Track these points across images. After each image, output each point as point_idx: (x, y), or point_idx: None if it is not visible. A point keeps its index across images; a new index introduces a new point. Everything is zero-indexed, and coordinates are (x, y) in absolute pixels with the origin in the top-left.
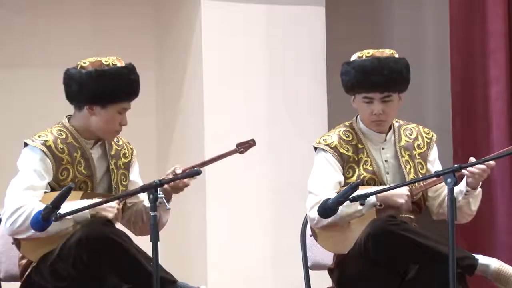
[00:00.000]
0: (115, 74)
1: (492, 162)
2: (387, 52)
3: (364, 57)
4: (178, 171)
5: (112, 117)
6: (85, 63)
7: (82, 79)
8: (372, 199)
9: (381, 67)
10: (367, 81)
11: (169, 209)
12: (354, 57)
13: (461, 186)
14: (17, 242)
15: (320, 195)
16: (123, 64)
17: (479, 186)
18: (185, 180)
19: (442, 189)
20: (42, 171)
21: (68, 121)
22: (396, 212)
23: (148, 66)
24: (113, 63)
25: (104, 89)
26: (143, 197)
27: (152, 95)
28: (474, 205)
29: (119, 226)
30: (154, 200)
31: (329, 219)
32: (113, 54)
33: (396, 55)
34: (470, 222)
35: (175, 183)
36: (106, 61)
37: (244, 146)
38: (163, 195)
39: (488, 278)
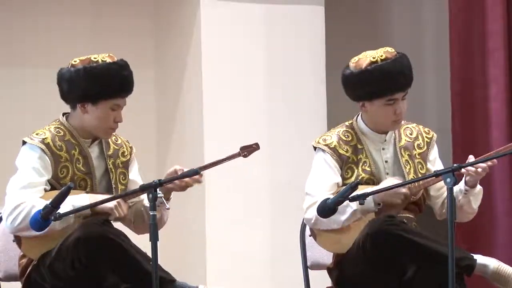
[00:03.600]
0: (104, 70)
1: (494, 160)
2: (390, 50)
3: (379, 61)
4: (180, 172)
5: (104, 114)
6: (75, 61)
7: (72, 77)
8: (369, 204)
9: (403, 67)
10: (395, 84)
11: (168, 209)
12: (365, 63)
13: (461, 185)
14: (18, 240)
15: (317, 196)
16: (114, 60)
17: (478, 184)
18: (188, 180)
19: (444, 188)
20: (41, 168)
21: (66, 119)
22: (395, 212)
23: (148, 66)
24: (103, 59)
25: (93, 86)
26: (143, 196)
27: (152, 95)
28: (475, 203)
29: (118, 225)
30: (153, 200)
31: (328, 225)
32: (113, 53)
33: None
34: (470, 222)
35: (178, 184)
36: (95, 58)
37: (248, 150)
38: (163, 195)
39: (487, 278)
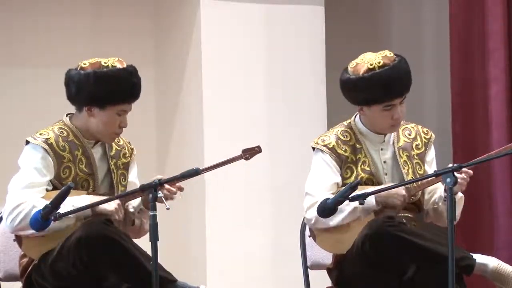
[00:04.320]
0: (114, 76)
1: (470, 172)
2: (388, 55)
3: (377, 68)
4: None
5: (111, 118)
6: (85, 64)
7: (81, 81)
8: (371, 203)
9: (400, 73)
10: (393, 90)
11: (168, 209)
12: (363, 70)
13: (441, 192)
14: (18, 240)
15: (317, 196)
16: (124, 66)
17: (460, 192)
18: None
19: (433, 192)
20: (43, 168)
21: (70, 119)
22: (394, 212)
23: (148, 66)
24: (113, 64)
25: (102, 91)
26: (131, 203)
27: (152, 95)
28: (456, 209)
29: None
30: (153, 200)
31: (327, 224)
32: (113, 53)
33: (393, 55)
34: (470, 222)
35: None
36: (105, 63)
37: (250, 153)
38: (163, 195)
39: (487, 277)
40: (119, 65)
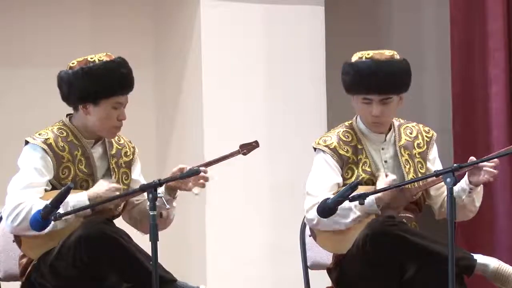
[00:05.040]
0: (101, 69)
1: (496, 160)
2: (386, 53)
3: (364, 59)
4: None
5: (107, 113)
6: (73, 63)
7: (70, 79)
8: (373, 206)
9: (377, 70)
10: (364, 84)
11: (168, 208)
12: (355, 58)
13: (462, 184)
14: (18, 240)
15: (318, 196)
16: (112, 58)
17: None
18: (193, 179)
19: (444, 188)
20: (42, 169)
21: (69, 120)
22: (395, 212)
23: (148, 66)
24: (100, 58)
25: (92, 86)
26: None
27: (151, 95)
28: (478, 201)
29: (120, 225)
30: (153, 200)
31: (328, 227)
32: (113, 53)
33: (397, 57)
34: (470, 221)
35: (179, 184)
36: (91, 58)
37: (248, 148)
38: (163, 195)
39: (487, 277)
40: (106, 59)
